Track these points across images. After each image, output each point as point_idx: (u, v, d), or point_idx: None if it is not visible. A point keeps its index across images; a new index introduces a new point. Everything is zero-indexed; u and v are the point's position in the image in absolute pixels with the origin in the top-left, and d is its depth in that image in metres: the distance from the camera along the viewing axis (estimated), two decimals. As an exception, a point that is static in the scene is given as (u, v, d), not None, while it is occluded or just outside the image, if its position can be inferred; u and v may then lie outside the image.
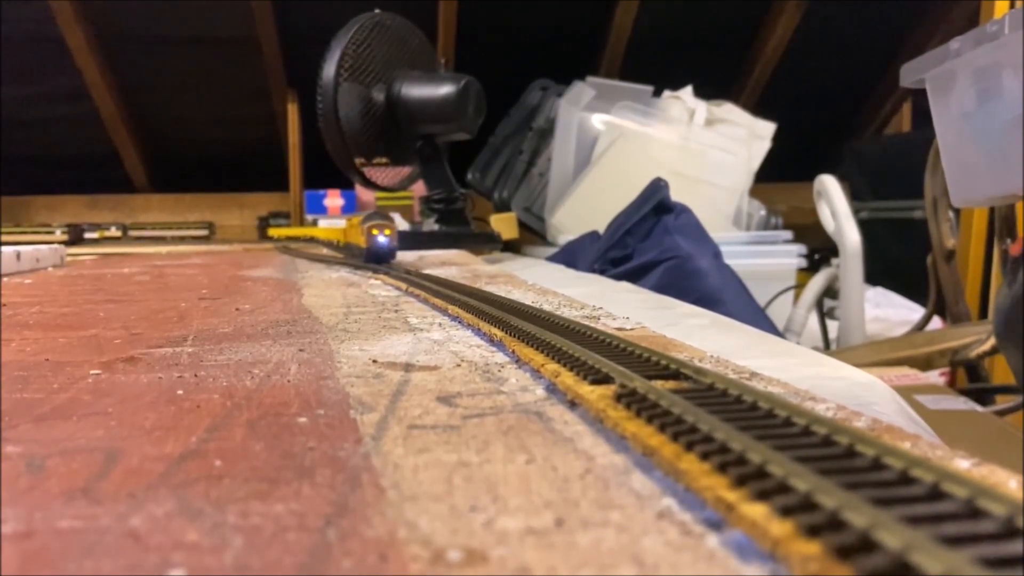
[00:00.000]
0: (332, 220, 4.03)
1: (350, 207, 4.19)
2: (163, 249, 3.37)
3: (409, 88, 2.44)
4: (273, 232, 3.80)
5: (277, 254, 2.61)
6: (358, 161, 2.49)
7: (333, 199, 4.19)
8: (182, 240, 4.26)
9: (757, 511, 0.30)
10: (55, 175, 4.36)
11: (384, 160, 2.58)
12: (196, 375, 0.65)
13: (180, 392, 0.59)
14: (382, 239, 1.55)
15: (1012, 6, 2.34)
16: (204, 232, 4.40)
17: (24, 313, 1.09)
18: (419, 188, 2.83)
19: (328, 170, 2.69)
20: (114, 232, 4.34)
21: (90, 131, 4.16)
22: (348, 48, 2.38)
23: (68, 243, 3.60)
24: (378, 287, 1.40)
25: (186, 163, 4.48)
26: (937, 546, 0.25)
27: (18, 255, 1.87)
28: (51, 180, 4.35)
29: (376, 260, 1.57)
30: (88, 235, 4.27)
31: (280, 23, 3.83)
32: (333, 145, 2.42)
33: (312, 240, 3.02)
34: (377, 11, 2.51)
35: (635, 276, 1.93)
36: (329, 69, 2.37)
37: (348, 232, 2.04)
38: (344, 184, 3.90)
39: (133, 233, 4.38)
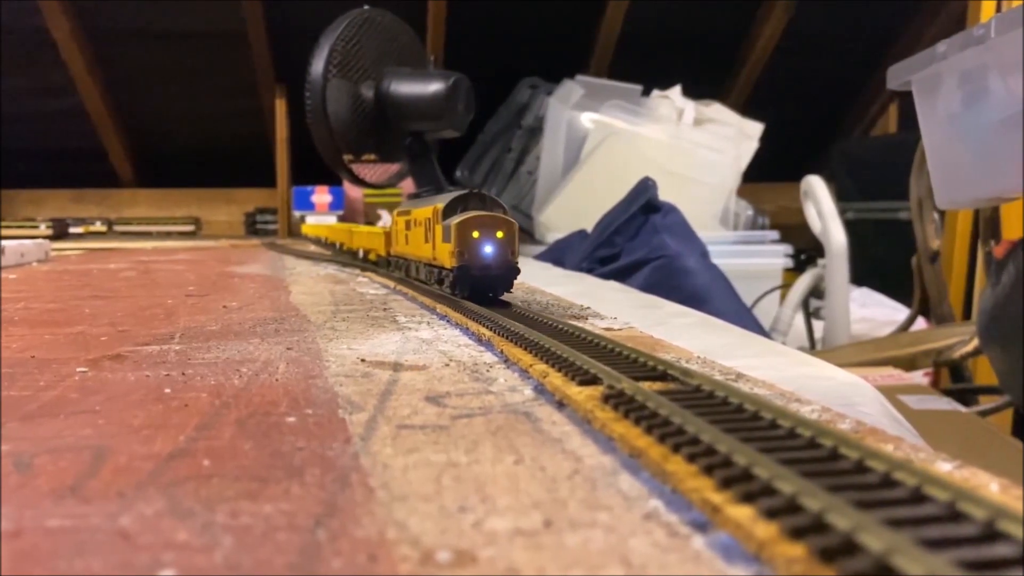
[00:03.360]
0: (320, 217, 4.02)
1: (338, 204, 4.18)
2: (149, 244, 3.35)
3: (398, 85, 2.43)
4: (306, 230, 3.56)
5: (264, 250, 2.60)
6: (346, 158, 2.48)
7: (321, 195, 4.18)
8: (168, 236, 4.24)
9: (742, 513, 0.31)
10: (40, 169, 4.33)
11: (372, 157, 2.57)
12: (184, 373, 0.65)
13: (168, 390, 0.59)
14: (490, 249, 0.88)
15: (998, 9, 2.36)
16: (190, 227, 4.38)
17: (9, 309, 1.08)
18: (407, 185, 2.82)
19: (316, 166, 2.68)
20: (99, 227, 4.32)
21: (76, 125, 4.13)
22: (337, 44, 2.37)
23: (52, 238, 3.57)
24: (366, 285, 1.40)
25: (173, 158, 4.46)
26: (919, 549, 0.25)
27: (2, 250, 1.86)
28: (36, 174, 4.32)
29: (480, 291, 0.91)
30: (73, 230, 4.24)
31: (269, 18, 3.81)
32: (321, 141, 2.41)
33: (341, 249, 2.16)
34: (366, 7, 2.50)
35: (623, 275, 1.94)
36: (318, 65, 2.35)
37: (402, 236, 1.24)
38: (332, 180, 3.89)
39: (118, 228, 4.36)
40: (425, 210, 1.03)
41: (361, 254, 1.66)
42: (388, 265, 1.38)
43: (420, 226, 1.08)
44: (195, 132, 4.35)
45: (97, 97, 4.02)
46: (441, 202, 0.96)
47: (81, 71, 3.89)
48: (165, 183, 4.47)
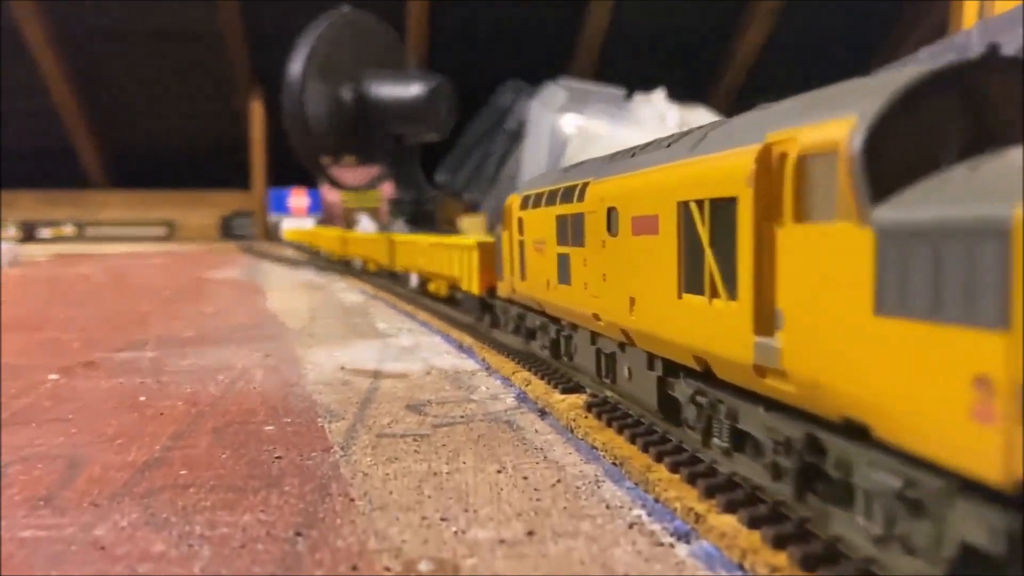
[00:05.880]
0: (297, 220, 4.00)
1: (315, 207, 4.16)
2: (121, 248, 3.32)
3: (379, 87, 2.43)
4: (291, 236, 3.18)
5: (240, 254, 2.58)
6: (325, 160, 2.47)
7: (298, 198, 4.16)
8: (141, 239, 4.20)
9: (726, 522, 0.31)
10: (9, 170, 4.27)
11: (352, 160, 2.56)
12: (159, 381, 0.64)
13: (142, 398, 0.58)
14: None
15: (981, 16, 2.39)
16: (164, 231, 4.35)
17: (-20, 313, 1.06)
18: (387, 188, 2.81)
19: (293, 168, 2.67)
20: (69, 230, 4.27)
21: (47, 125, 4.08)
22: (316, 45, 2.36)
23: (21, 241, 3.53)
24: (345, 291, 1.39)
25: (146, 159, 4.41)
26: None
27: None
28: (5, 175, 4.26)
29: None
30: (42, 233, 4.19)
31: (246, 19, 3.79)
32: (299, 144, 2.40)
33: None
34: (347, 8, 2.50)
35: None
36: (296, 67, 2.34)
37: (544, 262, 0.61)
38: (310, 182, 3.87)
39: (90, 232, 4.31)
40: (683, 168, 0.43)
41: (415, 282, 1.07)
42: (486, 314, 0.75)
43: (666, 236, 0.43)
44: (169, 133, 4.31)
45: (69, 97, 3.98)
46: (798, 117, 0.36)
47: (52, 70, 3.84)
48: (138, 185, 4.43)
